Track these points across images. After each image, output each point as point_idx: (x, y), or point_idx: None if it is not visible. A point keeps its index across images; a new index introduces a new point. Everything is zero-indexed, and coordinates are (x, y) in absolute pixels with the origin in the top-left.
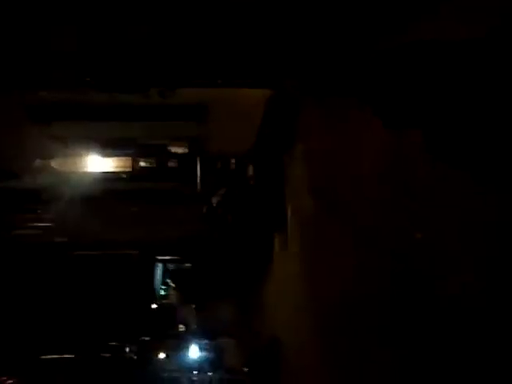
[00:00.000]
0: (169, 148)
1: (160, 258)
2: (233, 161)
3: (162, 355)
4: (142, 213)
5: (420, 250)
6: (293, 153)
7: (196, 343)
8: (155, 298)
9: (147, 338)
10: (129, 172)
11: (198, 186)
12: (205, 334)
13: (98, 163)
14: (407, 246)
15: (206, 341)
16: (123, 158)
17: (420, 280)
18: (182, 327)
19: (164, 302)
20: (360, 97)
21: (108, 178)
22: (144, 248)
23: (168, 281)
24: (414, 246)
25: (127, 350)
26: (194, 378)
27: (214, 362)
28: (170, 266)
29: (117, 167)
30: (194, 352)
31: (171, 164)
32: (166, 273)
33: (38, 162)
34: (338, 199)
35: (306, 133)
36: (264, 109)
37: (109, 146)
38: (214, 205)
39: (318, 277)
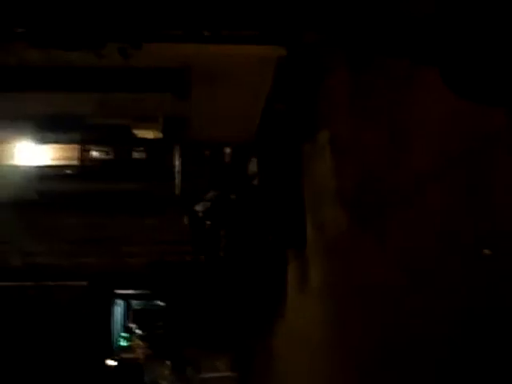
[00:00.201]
0: (134, 131)
1: (120, 292)
2: (228, 151)
3: None
4: (95, 226)
5: (498, 277)
6: (315, 140)
7: None
8: (112, 350)
9: None
10: (75, 166)
11: (177, 188)
12: None
13: (30, 153)
14: (482, 273)
15: None
16: (67, 146)
17: (501, 318)
18: None
19: (125, 356)
20: (417, 57)
21: (45, 174)
22: (97, 278)
23: (132, 326)
24: (490, 272)
25: None
26: None
27: None
28: (135, 305)
29: (58, 159)
30: None
31: (137, 155)
32: (128, 314)
33: None
34: (382, 209)
35: (333, 111)
36: (273, 76)
37: (46, 129)
38: (200, 214)
39: (351, 320)
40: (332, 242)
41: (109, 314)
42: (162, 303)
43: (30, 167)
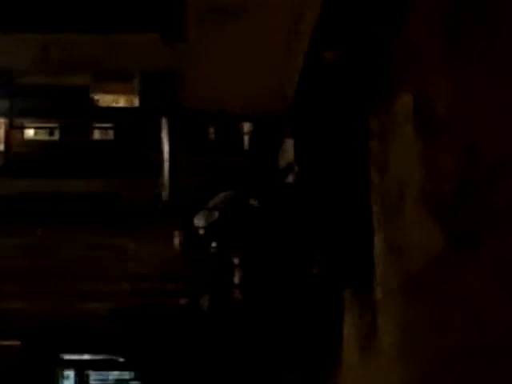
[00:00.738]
0: (94, 96)
1: (70, 357)
2: (247, 128)
3: None
4: (31, 250)
5: None
6: (390, 111)
7: None
8: None
9: None
10: None
11: (164, 188)
12: None
13: None
14: None
15: None
16: None
17: None
18: None
19: None
20: None
21: None
22: (34, 334)
23: None
24: None
25: None
26: None
27: None
28: (95, 378)
29: None
30: None
31: (99, 135)
32: None
33: None
34: (503, 223)
35: (419, 63)
36: (321, 7)
37: None
38: (202, 231)
39: None
40: (417, 277)
41: None
42: (137, 376)
43: None
